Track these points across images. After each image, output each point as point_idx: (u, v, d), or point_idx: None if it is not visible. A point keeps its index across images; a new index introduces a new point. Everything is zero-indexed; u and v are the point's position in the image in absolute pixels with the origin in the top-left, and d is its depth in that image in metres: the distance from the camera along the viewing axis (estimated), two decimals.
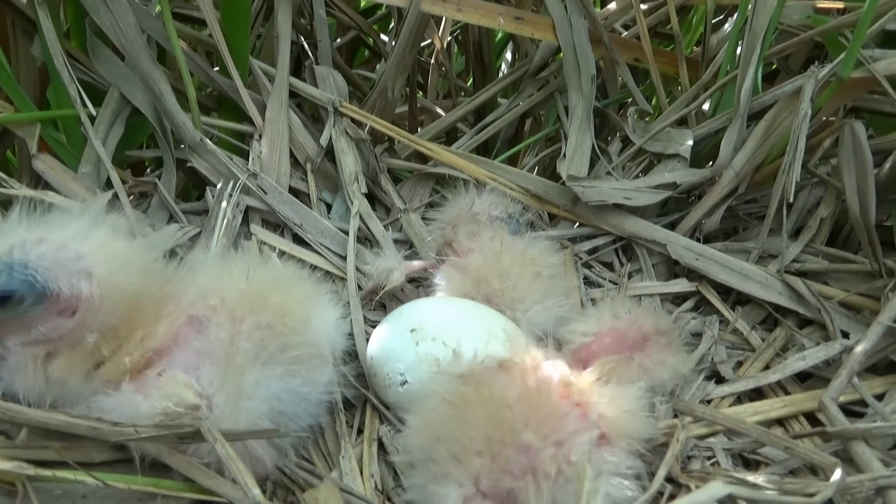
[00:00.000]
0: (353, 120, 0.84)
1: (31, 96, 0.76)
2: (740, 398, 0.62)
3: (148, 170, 0.92)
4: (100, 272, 0.46)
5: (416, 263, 0.72)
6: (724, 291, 0.75)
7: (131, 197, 0.76)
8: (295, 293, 0.52)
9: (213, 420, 0.45)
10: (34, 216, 0.47)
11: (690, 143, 0.83)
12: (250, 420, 0.47)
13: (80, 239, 0.47)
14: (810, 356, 0.63)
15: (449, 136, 1.07)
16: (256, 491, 0.40)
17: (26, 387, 0.46)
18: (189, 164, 0.77)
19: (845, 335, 0.66)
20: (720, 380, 0.64)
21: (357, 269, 0.71)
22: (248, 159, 0.78)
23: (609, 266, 0.81)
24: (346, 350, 0.57)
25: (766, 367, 0.65)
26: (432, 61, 1.18)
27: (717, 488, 0.35)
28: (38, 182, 0.71)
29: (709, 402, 0.61)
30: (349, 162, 0.81)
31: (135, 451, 0.45)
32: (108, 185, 0.71)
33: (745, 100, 0.77)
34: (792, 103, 0.76)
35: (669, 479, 0.49)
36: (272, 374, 0.48)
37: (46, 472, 0.41)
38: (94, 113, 0.73)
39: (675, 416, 0.57)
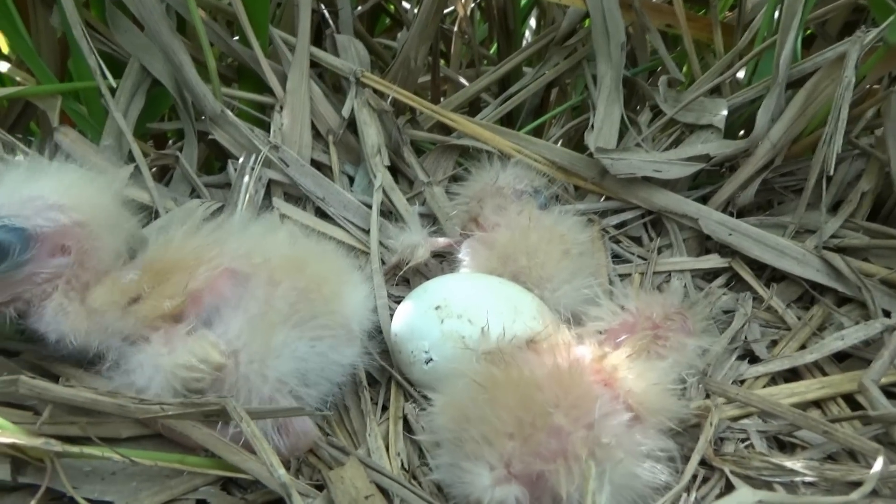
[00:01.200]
0: (374, 90, 0.82)
1: (51, 68, 0.75)
2: (775, 379, 0.60)
3: (169, 142, 0.91)
4: (66, 202, 0.47)
5: (442, 240, 0.70)
6: (759, 268, 0.72)
7: (153, 170, 0.75)
8: (333, 266, 0.54)
9: (239, 376, 0.46)
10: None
11: (725, 112, 0.80)
12: (275, 378, 0.47)
13: (29, 182, 0.47)
14: (849, 336, 0.61)
15: (472, 107, 1.04)
16: (282, 471, 0.40)
17: (71, 327, 0.47)
18: (210, 137, 0.76)
19: (887, 314, 0.63)
20: (754, 359, 0.63)
21: (380, 243, 0.70)
22: (269, 131, 0.77)
23: (637, 241, 0.79)
24: (371, 327, 0.56)
25: (803, 347, 0.63)
26: (455, 29, 1.15)
27: (745, 496, 0.33)
28: (62, 154, 0.70)
29: (742, 382, 0.59)
30: (371, 134, 0.79)
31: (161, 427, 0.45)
32: (131, 158, 0.71)
33: (785, 67, 0.74)
34: (834, 71, 0.73)
35: (702, 462, 0.48)
36: (300, 336, 0.49)
37: (74, 449, 0.40)
38: (114, 85, 0.72)
39: (707, 396, 0.56)
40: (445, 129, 0.87)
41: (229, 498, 0.45)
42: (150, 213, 0.67)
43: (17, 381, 0.40)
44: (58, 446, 0.40)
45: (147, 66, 0.74)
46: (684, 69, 0.99)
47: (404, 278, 0.69)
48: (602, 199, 0.81)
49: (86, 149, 0.69)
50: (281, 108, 0.79)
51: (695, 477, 0.47)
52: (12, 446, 0.39)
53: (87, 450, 0.41)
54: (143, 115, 0.75)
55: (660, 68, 0.98)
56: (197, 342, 0.46)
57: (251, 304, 0.49)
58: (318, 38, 0.91)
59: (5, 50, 0.80)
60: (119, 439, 0.45)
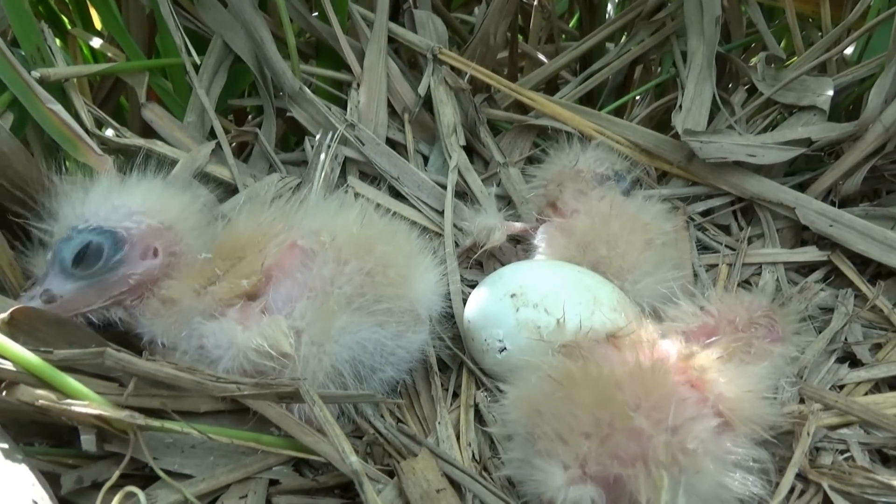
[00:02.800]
0: (452, 68, 0.80)
1: (140, 45, 0.77)
2: (879, 386, 0.56)
3: (249, 117, 0.92)
4: (151, 208, 0.49)
5: (518, 224, 0.68)
6: (862, 263, 0.67)
7: (233, 146, 0.76)
8: (402, 247, 0.53)
9: (299, 357, 0.46)
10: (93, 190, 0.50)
11: (830, 93, 0.74)
12: (332, 363, 0.47)
13: (115, 194, 0.49)
14: None
15: (551, 85, 1.01)
16: (354, 458, 0.40)
17: (162, 328, 0.48)
18: (288, 114, 0.76)
19: None
20: (855, 363, 0.58)
21: (454, 225, 0.68)
22: (345, 108, 0.76)
23: (726, 230, 0.74)
24: (442, 312, 0.55)
25: None
26: (535, 2, 1.10)
27: None
28: (149, 130, 0.72)
29: (841, 387, 0.55)
30: (448, 113, 0.78)
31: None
32: (212, 134, 0.72)
33: None
34: None
35: (797, 475, 0.45)
36: (362, 321, 0.49)
37: (156, 422, 0.41)
38: (198, 62, 0.73)
39: (801, 401, 0.52)
40: (523, 108, 0.84)
41: (301, 479, 0.45)
42: (230, 189, 0.68)
43: (103, 353, 0.41)
44: (140, 419, 0.41)
45: (229, 43, 0.75)
46: (783, 45, 0.92)
47: (478, 262, 0.68)
48: (688, 184, 0.76)
49: (170, 125, 0.71)
50: (358, 85, 0.78)
51: (791, 490, 0.43)
52: (98, 417, 0.40)
53: (167, 424, 0.42)
54: (225, 91, 0.76)
55: (755, 44, 0.91)
56: (270, 326, 0.46)
57: (316, 283, 0.48)
58: (395, 13, 0.90)
59: (98, 26, 0.83)
60: (197, 414, 0.46)
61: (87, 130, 0.63)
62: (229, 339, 0.46)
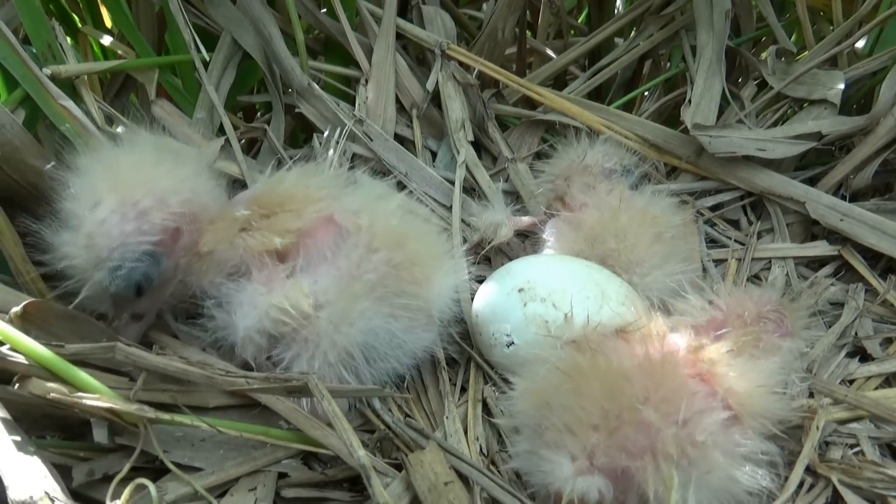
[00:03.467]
0: (460, 63, 0.80)
1: (150, 42, 0.77)
2: (889, 380, 0.55)
3: (258, 114, 0.93)
4: (156, 199, 0.48)
5: (526, 219, 0.68)
6: (873, 257, 0.66)
7: (242, 142, 0.76)
8: (432, 248, 0.54)
9: (313, 331, 0.47)
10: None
11: (841, 86, 0.73)
12: (343, 346, 0.48)
13: (103, 193, 0.48)
14: None
15: (559, 80, 1.00)
16: (362, 452, 0.40)
17: (210, 281, 0.50)
18: (297, 110, 0.76)
19: None
20: (865, 357, 0.58)
21: (462, 220, 0.68)
22: (353, 105, 0.77)
23: (735, 224, 0.74)
24: (454, 316, 0.55)
25: None
26: None
27: None
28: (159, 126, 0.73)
29: (851, 382, 0.55)
30: (456, 108, 0.78)
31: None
32: (221, 130, 0.72)
33: None
34: None
35: (806, 469, 0.44)
36: (378, 310, 0.49)
37: (166, 416, 0.42)
38: (207, 58, 0.74)
39: (811, 395, 0.51)
40: (531, 104, 0.84)
41: (309, 472, 0.45)
42: (239, 186, 0.68)
43: (114, 347, 0.42)
44: (150, 412, 0.41)
45: (238, 40, 0.75)
46: (794, 38, 0.91)
47: (486, 257, 0.68)
48: (697, 179, 0.76)
49: (180, 121, 0.71)
50: (366, 81, 0.78)
51: (800, 485, 0.43)
52: (109, 410, 0.40)
53: (177, 417, 0.42)
54: (234, 88, 0.77)
55: (765, 38, 0.90)
56: (292, 287, 0.48)
57: (343, 263, 0.49)
58: (403, 9, 0.90)
59: (108, 24, 0.83)
60: (207, 408, 0.46)
61: (98, 127, 0.63)
62: (253, 301, 0.48)
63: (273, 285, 0.48)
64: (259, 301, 0.48)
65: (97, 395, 0.40)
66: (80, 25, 0.82)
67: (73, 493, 0.40)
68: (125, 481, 0.40)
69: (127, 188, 0.48)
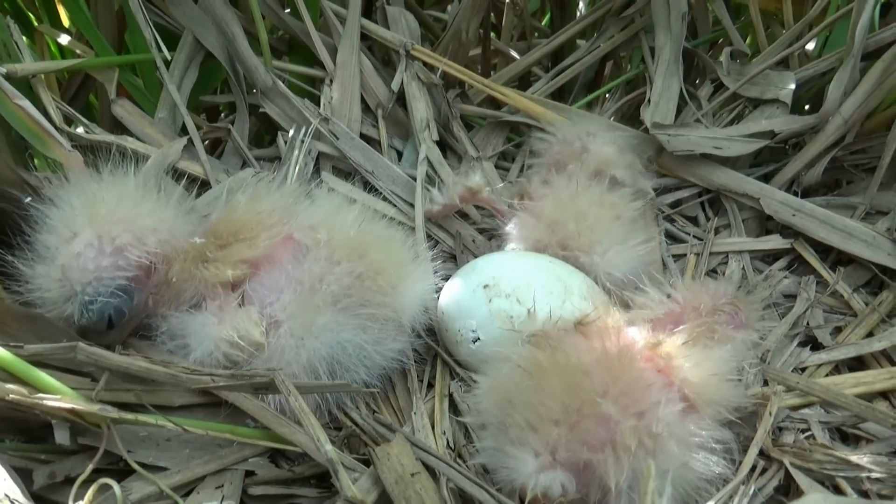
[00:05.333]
0: (424, 64, 0.81)
1: (109, 41, 0.76)
2: (839, 367, 0.57)
3: (222, 115, 0.92)
4: (130, 236, 0.48)
5: (495, 199, 0.68)
6: (823, 250, 0.69)
7: (206, 142, 0.76)
8: (395, 256, 0.53)
9: (275, 347, 0.47)
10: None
11: (792, 86, 0.76)
12: (309, 358, 0.48)
13: (81, 226, 0.48)
14: None
15: (523, 81, 1.02)
16: (329, 447, 0.40)
17: (167, 308, 0.50)
18: (261, 110, 0.76)
19: None
20: (816, 346, 0.60)
21: (428, 218, 0.69)
22: (318, 105, 0.77)
23: (693, 220, 0.76)
24: (424, 325, 0.55)
25: (870, 335, 0.60)
26: (507, 0, 1.11)
27: (815, 502, 0.31)
28: (119, 127, 0.72)
29: (803, 370, 0.57)
30: (420, 108, 0.78)
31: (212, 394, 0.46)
32: (184, 130, 0.72)
33: (861, 37, 0.69)
34: None
35: (760, 453, 0.46)
36: (345, 322, 0.49)
37: (129, 416, 0.42)
38: (169, 57, 0.73)
39: (765, 383, 0.53)
40: (496, 104, 0.85)
41: (277, 470, 0.46)
42: (202, 185, 0.68)
43: (74, 347, 0.41)
44: (114, 412, 0.41)
45: (200, 39, 0.74)
46: (748, 41, 0.94)
47: (451, 255, 0.69)
48: (657, 176, 0.78)
49: (141, 121, 0.71)
50: (331, 81, 0.78)
51: (753, 468, 0.45)
52: (71, 411, 0.40)
53: (141, 417, 0.42)
54: (197, 88, 0.76)
55: (722, 40, 0.93)
56: (242, 317, 0.48)
57: (305, 278, 0.49)
58: (368, 10, 0.90)
59: (66, 23, 0.82)
60: (172, 407, 0.46)
61: (55, 127, 0.62)
62: (205, 332, 0.48)
63: (224, 315, 0.48)
64: (211, 332, 0.48)
65: (58, 396, 0.40)
66: (36, 24, 0.80)
67: (34, 496, 0.40)
68: (88, 483, 0.39)
69: (106, 223, 0.48)
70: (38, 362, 0.41)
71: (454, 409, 0.53)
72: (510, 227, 0.67)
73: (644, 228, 0.67)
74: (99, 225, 0.48)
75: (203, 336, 0.48)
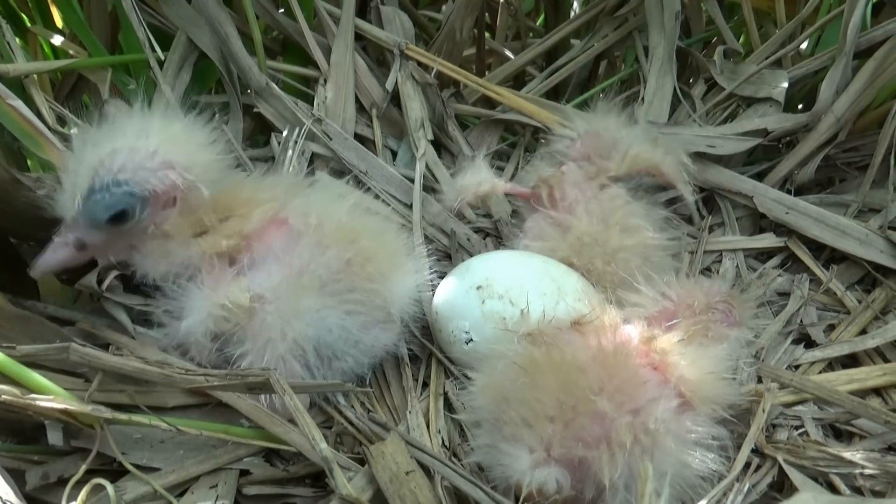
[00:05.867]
0: (419, 63, 0.81)
1: (102, 42, 0.76)
2: (832, 364, 0.58)
3: (216, 115, 0.92)
4: (177, 159, 0.49)
5: (519, 187, 0.65)
6: (817, 248, 0.69)
7: None
8: (386, 246, 0.54)
9: (261, 324, 0.48)
10: (100, 127, 0.50)
11: (785, 85, 0.76)
12: (293, 338, 0.48)
13: (143, 137, 0.49)
14: None
15: (518, 80, 1.02)
16: (324, 445, 0.40)
17: (154, 266, 0.50)
18: (255, 110, 0.76)
19: None
20: (810, 344, 0.60)
21: (423, 217, 0.69)
22: (312, 105, 0.77)
23: (688, 219, 0.76)
24: (414, 316, 0.55)
25: (863, 332, 0.60)
26: (501, 0, 1.12)
27: (806, 501, 0.31)
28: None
29: (797, 367, 0.57)
30: (415, 107, 0.78)
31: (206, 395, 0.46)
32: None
33: (853, 36, 0.70)
34: None
35: (754, 450, 0.46)
36: (332, 306, 0.50)
37: (123, 416, 0.41)
38: (162, 58, 0.73)
39: (759, 380, 0.53)
40: (490, 103, 0.85)
41: (272, 469, 0.46)
42: None
43: (68, 348, 0.41)
44: (107, 413, 0.41)
45: (194, 39, 0.74)
46: (741, 39, 0.95)
47: (446, 254, 0.69)
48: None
49: None
50: (325, 81, 0.78)
51: (747, 465, 0.45)
52: (64, 412, 0.40)
53: (135, 417, 0.42)
54: (190, 88, 0.76)
55: (715, 39, 0.93)
56: (233, 285, 0.49)
57: (295, 261, 0.50)
58: (362, 10, 0.90)
59: (59, 24, 0.82)
60: (166, 408, 0.46)
61: (49, 127, 0.62)
62: (199, 304, 0.49)
63: (219, 286, 0.49)
64: (205, 302, 0.49)
65: (51, 397, 0.40)
66: (28, 24, 0.80)
67: (27, 497, 0.40)
68: (81, 484, 0.39)
69: (153, 140, 0.49)
70: (31, 363, 0.41)
71: (449, 407, 0.53)
72: (527, 227, 0.64)
73: (671, 264, 0.63)
74: (147, 138, 0.49)
75: (197, 303, 0.49)
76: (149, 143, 0.49)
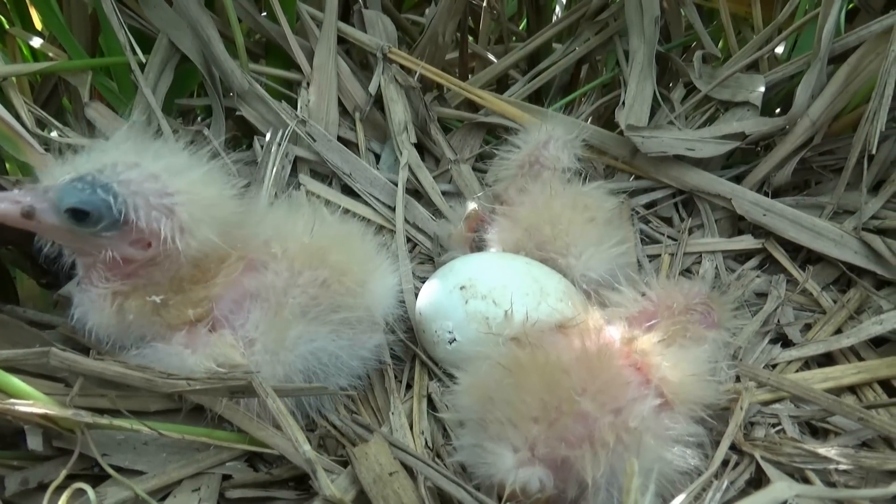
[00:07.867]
0: (402, 67, 0.81)
1: (83, 44, 0.75)
2: (808, 363, 0.59)
3: (198, 119, 0.91)
4: (183, 215, 0.45)
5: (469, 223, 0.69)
6: (794, 249, 0.70)
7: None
8: (356, 253, 0.52)
9: (251, 365, 0.46)
10: (140, 140, 0.47)
11: (762, 89, 0.77)
12: (286, 372, 0.47)
13: (172, 173, 0.46)
14: (888, 320, 0.59)
15: (501, 84, 1.02)
16: (307, 447, 0.40)
17: (98, 321, 0.47)
18: (238, 113, 0.76)
19: None
20: (787, 343, 0.61)
21: (406, 220, 0.69)
22: (296, 108, 0.77)
23: (668, 221, 0.77)
24: (398, 316, 0.56)
25: (838, 331, 0.61)
26: (484, 4, 1.12)
27: (781, 490, 0.32)
28: (93, 130, 0.71)
29: (774, 366, 0.58)
30: (398, 111, 0.79)
31: (188, 400, 0.46)
32: (159, 133, 0.71)
33: (827, 41, 0.71)
34: (879, 45, 0.70)
35: (732, 447, 0.47)
36: (317, 331, 0.49)
37: (103, 420, 0.41)
38: (143, 60, 0.72)
39: (737, 379, 0.54)
40: (473, 107, 0.86)
41: (254, 473, 0.46)
42: None
43: (48, 353, 0.41)
44: (87, 417, 0.40)
45: (175, 42, 0.74)
46: (720, 44, 0.96)
47: (429, 257, 0.69)
48: (632, 178, 0.79)
49: (115, 124, 0.70)
50: (308, 84, 0.78)
51: (725, 462, 0.46)
52: (44, 416, 0.40)
53: (116, 421, 0.42)
54: (172, 91, 0.76)
55: (694, 44, 0.95)
56: (217, 345, 0.46)
57: (270, 295, 0.48)
58: (345, 14, 0.90)
59: (38, 26, 0.81)
60: (147, 412, 0.45)
61: (28, 130, 0.61)
62: (179, 364, 0.46)
63: (196, 344, 0.46)
64: (186, 363, 0.46)
65: (31, 402, 0.39)
66: (7, 26, 0.79)
67: (7, 502, 0.39)
68: (62, 489, 0.39)
69: (174, 181, 0.45)
70: (11, 367, 0.41)
71: (432, 409, 0.53)
72: (490, 233, 0.67)
73: (619, 229, 0.68)
74: (155, 168, 0.45)
75: (178, 365, 0.45)
76: (171, 182, 0.45)
